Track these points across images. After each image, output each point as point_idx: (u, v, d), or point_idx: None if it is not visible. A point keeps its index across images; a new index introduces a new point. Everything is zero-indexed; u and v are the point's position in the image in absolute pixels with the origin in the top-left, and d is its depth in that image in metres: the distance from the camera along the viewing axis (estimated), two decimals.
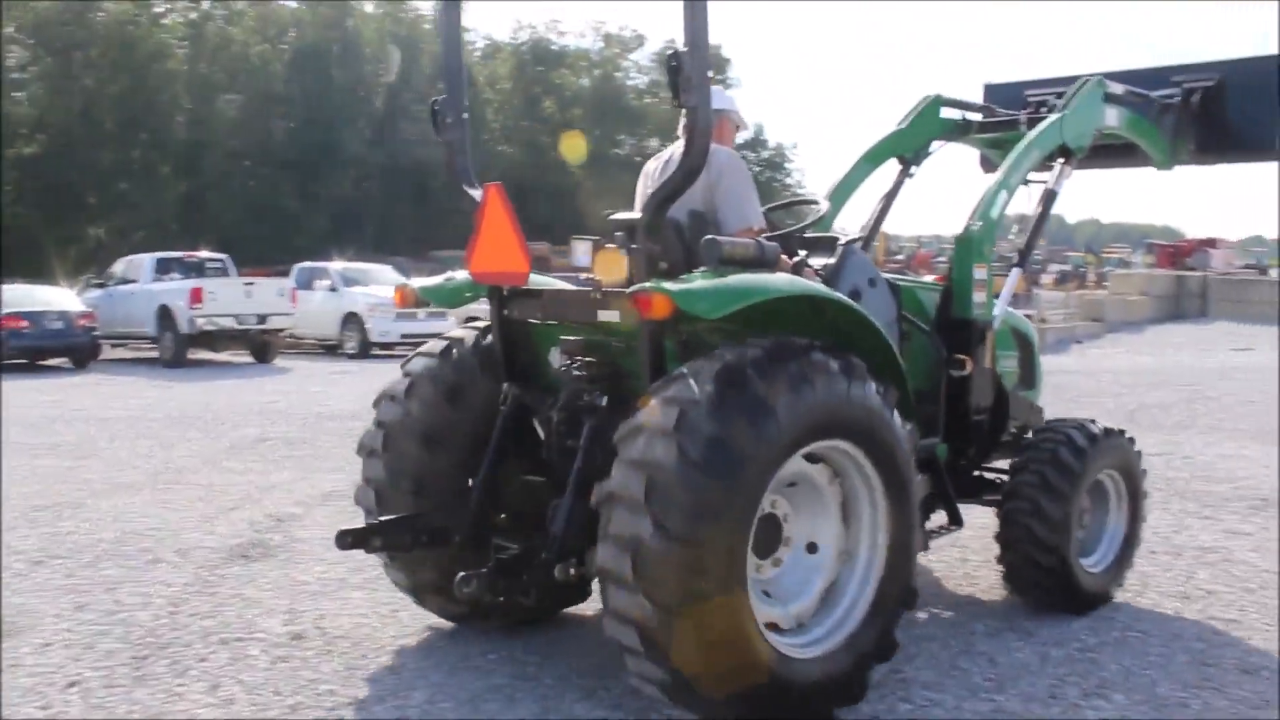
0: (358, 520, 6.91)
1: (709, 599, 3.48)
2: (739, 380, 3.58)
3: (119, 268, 23.20)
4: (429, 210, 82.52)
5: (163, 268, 22.24)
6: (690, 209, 4.37)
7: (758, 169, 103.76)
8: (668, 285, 3.72)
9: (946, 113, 6.43)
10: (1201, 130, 6.40)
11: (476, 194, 4.53)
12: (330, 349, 23.55)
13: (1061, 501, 5.02)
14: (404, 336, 22.53)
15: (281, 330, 21.68)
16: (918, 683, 4.43)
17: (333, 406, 13.40)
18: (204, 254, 23.93)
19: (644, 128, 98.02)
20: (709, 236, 4.09)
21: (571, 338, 4.36)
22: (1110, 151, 6.34)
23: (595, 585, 4.04)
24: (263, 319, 20.94)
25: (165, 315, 20.58)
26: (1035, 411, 5.80)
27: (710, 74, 3.88)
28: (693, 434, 3.48)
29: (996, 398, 5.44)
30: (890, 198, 6.40)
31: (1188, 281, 32.02)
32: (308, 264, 25.17)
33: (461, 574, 3.94)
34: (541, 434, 4.50)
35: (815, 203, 5.58)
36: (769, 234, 4.82)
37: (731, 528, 3.54)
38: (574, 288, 4.49)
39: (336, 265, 24.99)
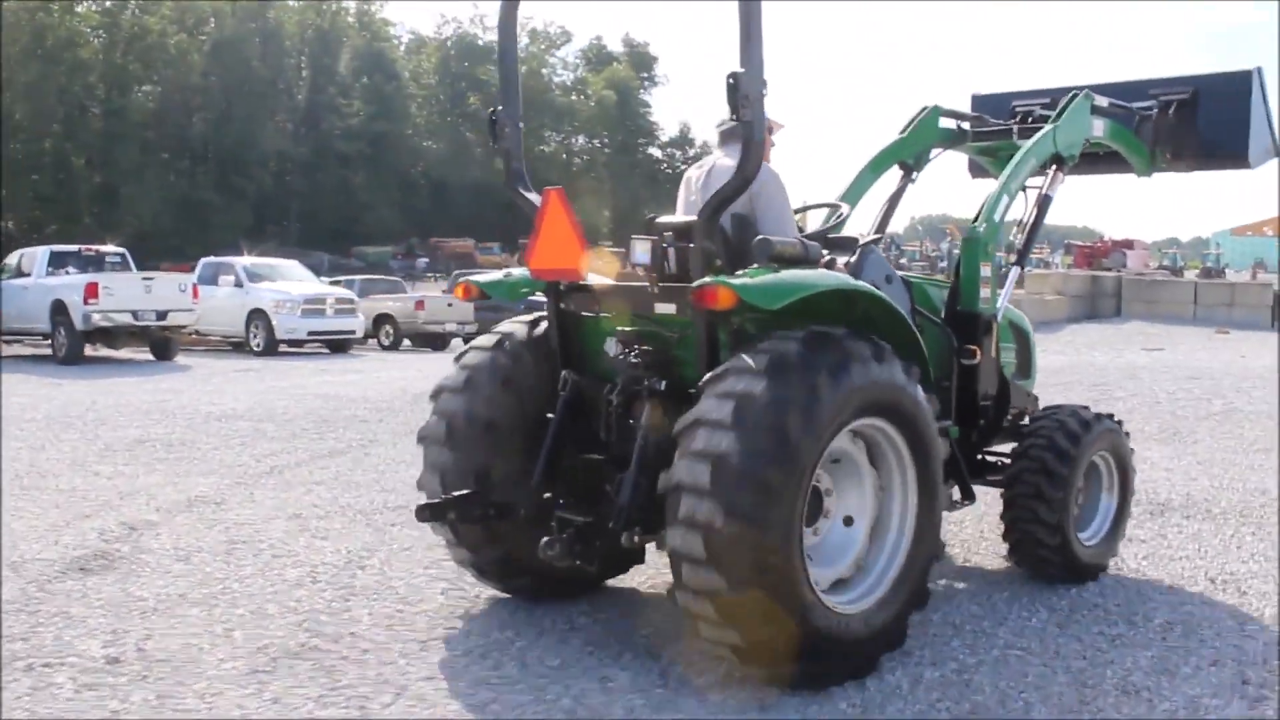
0: (220, 526, 6.63)
1: (773, 570, 3.89)
2: (786, 372, 3.97)
3: (13, 260, 22.28)
4: (353, 205, 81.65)
5: (58, 261, 21.34)
6: (734, 213, 4.68)
7: (684, 166, 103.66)
8: (730, 280, 4.09)
9: (944, 122, 6.84)
10: (1177, 140, 6.81)
11: (534, 197, 4.95)
12: (238, 346, 22.87)
13: (1061, 483, 5.49)
14: (311, 334, 21.98)
15: (183, 327, 20.98)
16: (776, 706, 4.13)
17: (224, 406, 12.86)
18: (104, 247, 23.09)
19: (570, 124, 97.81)
20: (761, 236, 4.49)
21: (627, 329, 4.70)
22: (1095, 159, 6.78)
23: (650, 553, 4.75)
24: (162, 315, 20.19)
25: (59, 310, 19.72)
26: (1032, 399, 6.31)
27: (762, 91, 4.23)
28: (750, 425, 3.88)
29: (999, 386, 5.88)
30: (894, 201, 6.87)
31: (1103, 282, 32.33)
32: (213, 259, 24.41)
33: (546, 539, 4.45)
34: (600, 417, 4.82)
35: (839, 206, 6.04)
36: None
37: (789, 504, 3.92)
38: (629, 283, 4.78)
39: (242, 260, 24.28)
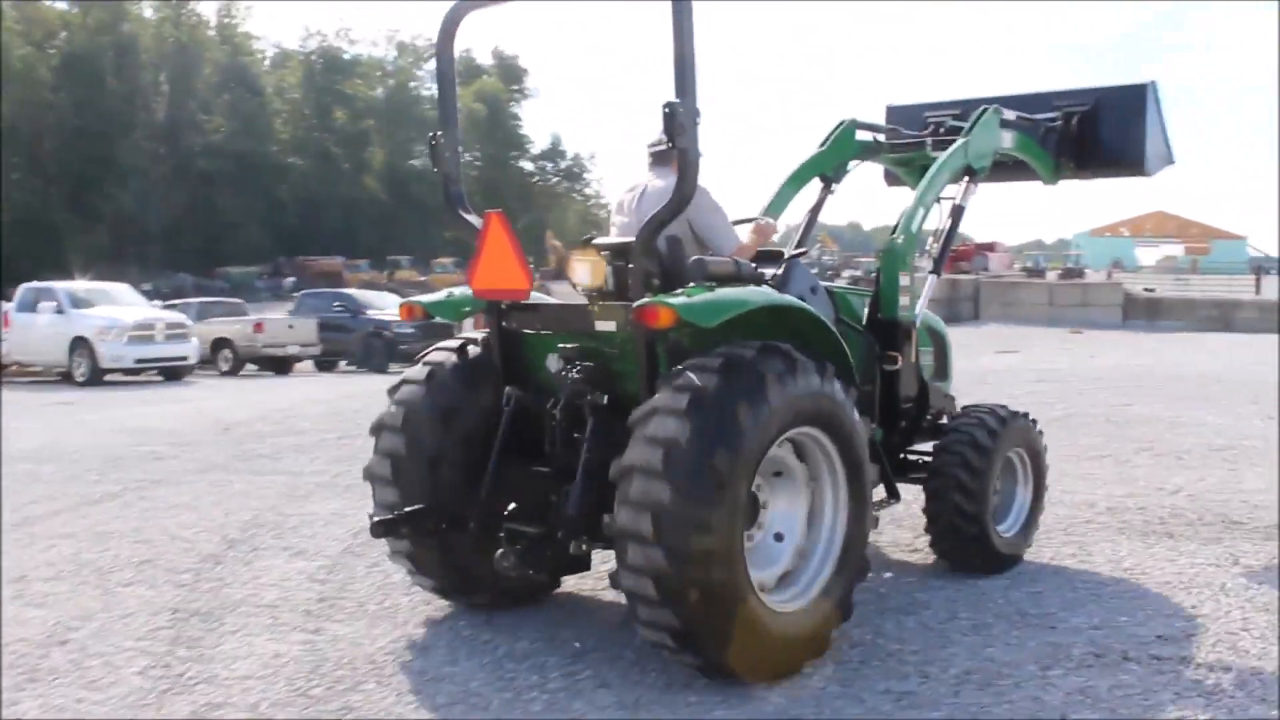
0: None
1: (716, 555, 4.07)
2: (739, 371, 4.21)
3: None
4: (217, 224, 79.13)
5: None
6: (667, 234, 4.81)
7: (555, 179, 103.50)
8: (669, 299, 4.27)
9: (861, 135, 7.08)
10: (1080, 150, 7.14)
11: (474, 219, 5.14)
12: (66, 377, 21.48)
13: (979, 478, 5.75)
14: (139, 361, 20.75)
15: None
16: None
17: (11, 446, 11.76)
18: None
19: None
20: (697, 257, 4.79)
21: (568, 345, 4.88)
22: (1003, 168, 6.98)
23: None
24: None
25: None
26: (949, 400, 6.54)
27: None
28: (703, 413, 4.08)
29: (919, 388, 6.16)
30: (815, 212, 7.19)
31: (960, 285, 32.64)
32: (34, 284, 22.96)
33: (500, 551, 4.63)
34: (545, 430, 4.94)
35: (765, 220, 6.17)
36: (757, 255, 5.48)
37: (734, 493, 4.12)
38: (569, 302, 5.02)
39: (66, 285, 22.85)
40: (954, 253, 6.26)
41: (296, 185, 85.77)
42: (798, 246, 6.73)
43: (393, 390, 5.23)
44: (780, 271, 5.60)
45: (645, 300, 4.34)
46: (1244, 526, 6.89)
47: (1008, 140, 6.76)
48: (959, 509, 5.77)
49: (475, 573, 5.12)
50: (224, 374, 23.63)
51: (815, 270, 8.02)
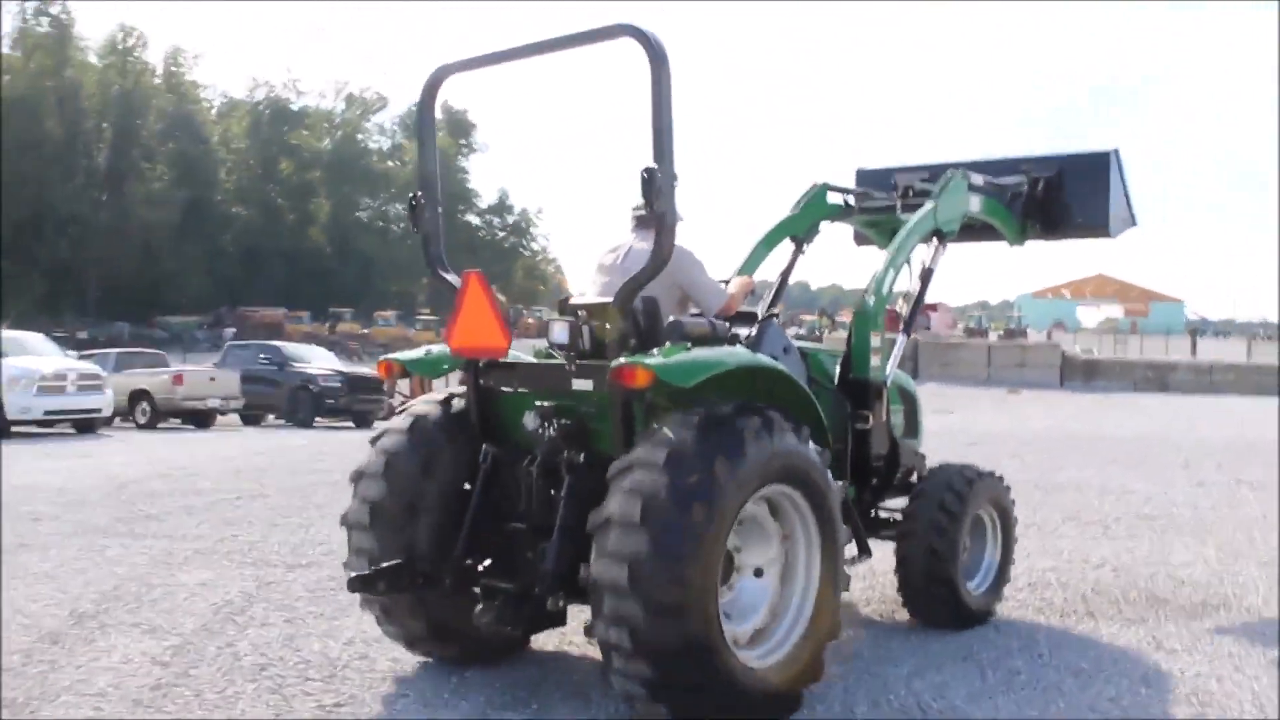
0: None
1: (691, 608, 4.06)
2: (716, 429, 4.26)
3: None
4: (158, 273, 77.87)
5: None
6: (645, 295, 4.84)
7: (502, 234, 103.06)
8: (647, 360, 4.31)
9: (832, 198, 7.29)
10: (1046, 213, 7.37)
11: (453, 278, 5.10)
12: None
13: (947, 539, 5.85)
14: (49, 413, 19.86)
15: None
16: None
17: None
18: None
19: (386, 191, 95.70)
20: (674, 318, 5.02)
21: (545, 403, 4.87)
22: (971, 231, 7.12)
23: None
24: None
25: None
26: (919, 458, 6.59)
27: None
28: (681, 468, 4.12)
29: (890, 446, 6.22)
30: (787, 273, 7.35)
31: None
32: None
33: (479, 607, 4.66)
34: (520, 487, 4.96)
35: (750, 278, 6.50)
36: (695, 312, 5.48)
37: (710, 547, 4.14)
38: (547, 361, 5.08)
39: None
40: (895, 312, 6.46)
41: (240, 235, 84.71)
42: (770, 307, 6.99)
43: (375, 439, 5.23)
44: (754, 332, 5.64)
45: (623, 360, 4.40)
46: (1168, 604, 6.53)
47: (975, 204, 6.92)
48: (928, 570, 5.87)
49: (447, 626, 5.09)
50: (141, 427, 22.80)
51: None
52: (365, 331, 71.99)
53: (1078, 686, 5.03)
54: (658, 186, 4.39)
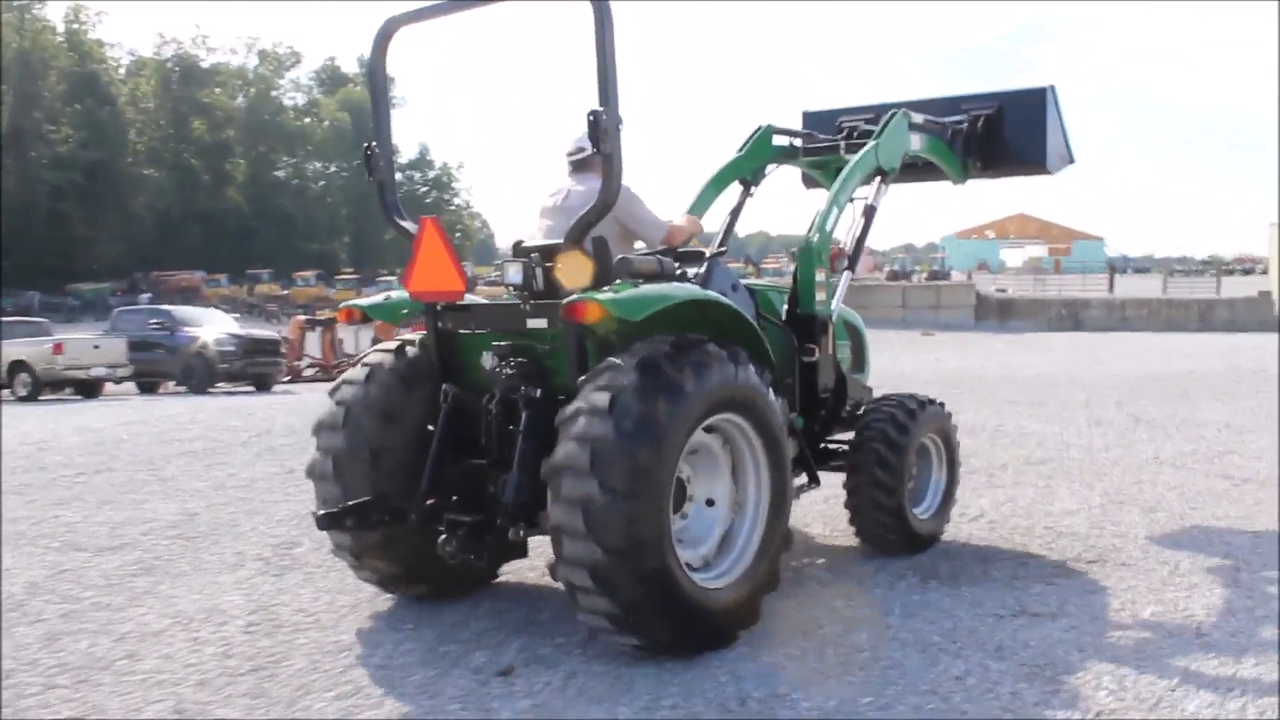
0: None
1: (646, 544, 4.27)
2: (656, 369, 4.39)
3: None
4: (68, 239, 75.41)
5: None
6: (594, 235, 4.93)
7: (424, 189, 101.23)
8: (598, 295, 4.49)
9: (777, 140, 7.37)
10: (986, 150, 7.46)
11: (410, 225, 5.27)
12: None
13: (893, 468, 6.04)
14: None
15: None
16: None
17: None
18: None
19: (303, 148, 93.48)
20: (622, 256, 5.09)
21: (502, 343, 5.06)
22: (915, 170, 7.35)
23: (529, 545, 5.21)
24: None
25: None
26: (866, 390, 6.78)
27: None
28: (624, 412, 4.27)
29: (837, 379, 6.37)
30: (735, 214, 7.44)
31: None
32: None
33: (442, 537, 4.84)
34: (480, 424, 5.08)
35: (696, 218, 6.61)
36: (648, 251, 5.67)
37: (659, 484, 4.33)
38: (502, 301, 5.26)
39: None
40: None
41: (153, 198, 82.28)
42: (719, 247, 7.00)
43: (333, 391, 5.36)
44: (703, 270, 5.76)
45: (574, 296, 4.54)
46: (1042, 561, 6.03)
47: (917, 142, 7.07)
48: (875, 497, 6.05)
49: (417, 564, 5.25)
50: (21, 399, 21.71)
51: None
52: (285, 293, 70.47)
53: (923, 663, 4.47)
54: (604, 128, 4.53)
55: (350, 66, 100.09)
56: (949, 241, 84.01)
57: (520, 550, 5.27)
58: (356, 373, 5.33)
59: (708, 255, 5.95)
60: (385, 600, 5.59)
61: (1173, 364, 18.12)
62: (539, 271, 4.99)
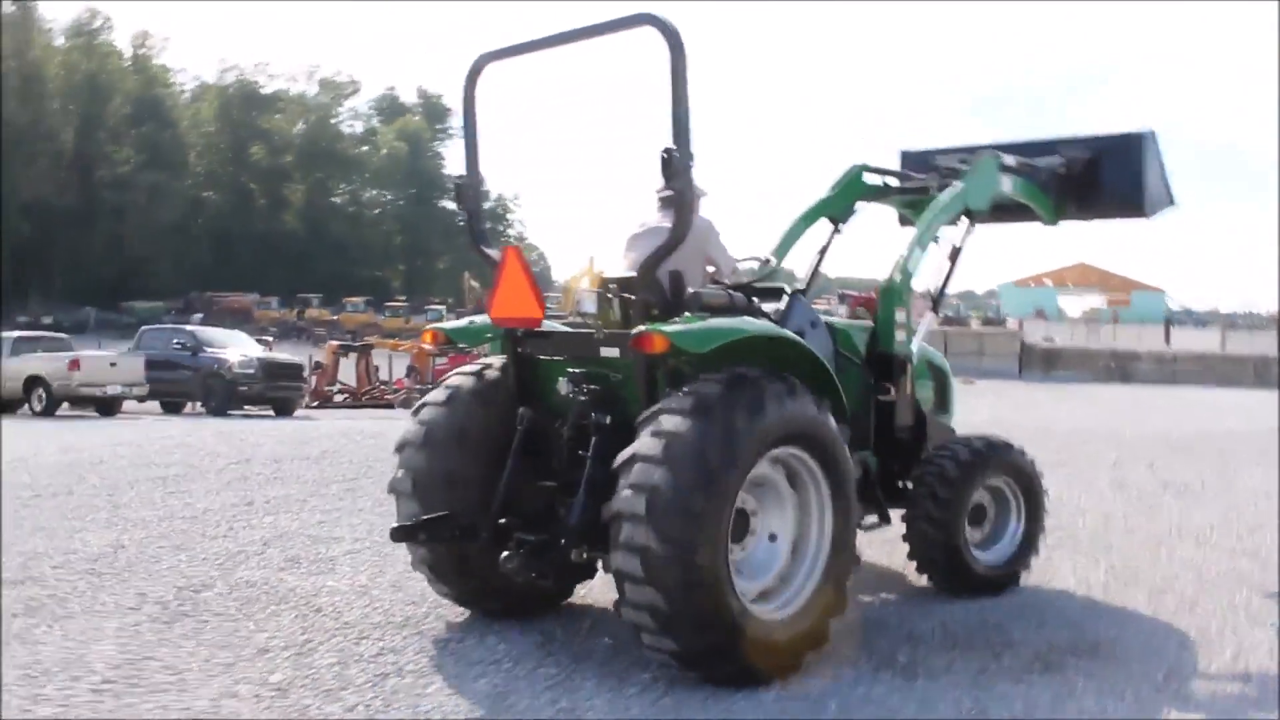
0: None
1: (702, 585, 4.35)
2: (709, 410, 4.45)
3: None
4: (125, 258, 76.30)
5: None
6: (670, 269, 5.22)
7: None
8: (664, 327, 4.65)
9: (869, 179, 7.38)
10: (1082, 194, 7.42)
11: (494, 253, 5.43)
12: None
13: (945, 501, 6.03)
14: None
15: None
16: None
17: None
18: None
19: (360, 175, 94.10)
20: (694, 290, 5.31)
21: (576, 370, 5.20)
22: (1007, 211, 7.30)
23: (599, 567, 5.09)
24: None
25: None
26: (949, 432, 6.71)
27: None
28: (704, 414, 4.42)
29: (916, 420, 6.42)
30: (823, 252, 7.46)
31: None
32: None
33: (505, 553, 4.98)
34: (554, 448, 5.28)
35: (768, 260, 6.54)
36: (725, 284, 5.82)
37: (714, 526, 4.41)
38: (579, 330, 5.42)
39: None
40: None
41: (210, 220, 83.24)
42: (807, 284, 7.22)
43: (416, 411, 5.60)
44: (782, 306, 5.94)
45: (642, 328, 4.69)
46: (1020, 651, 5.26)
47: (1007, 184, 7.02)
48: (925, 531, 6.07)
49: (490, 581, 5.31)
50: (38, 414, 21.47)
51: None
52: (334, 318, 70.76)
53: None
54: (676, 167, 4.66)
55: (409, 96, 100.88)
56: (1006, 289, 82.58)
57: (587, 571, 5.40)
58: (438, 395, 5.56)
59: (788, 292, 6.11)
60: (269, 657, 4.99)
61: (1222, 422, 17.14)
62: (616, 302, 5.26)
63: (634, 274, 5.25)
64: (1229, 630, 5.64)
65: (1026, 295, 78.65)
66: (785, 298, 6.04)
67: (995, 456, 6.26)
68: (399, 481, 5.52)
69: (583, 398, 5.12)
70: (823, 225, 7.36)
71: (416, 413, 5.58)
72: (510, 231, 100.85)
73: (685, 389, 4.59)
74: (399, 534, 5.26)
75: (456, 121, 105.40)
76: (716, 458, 4.40)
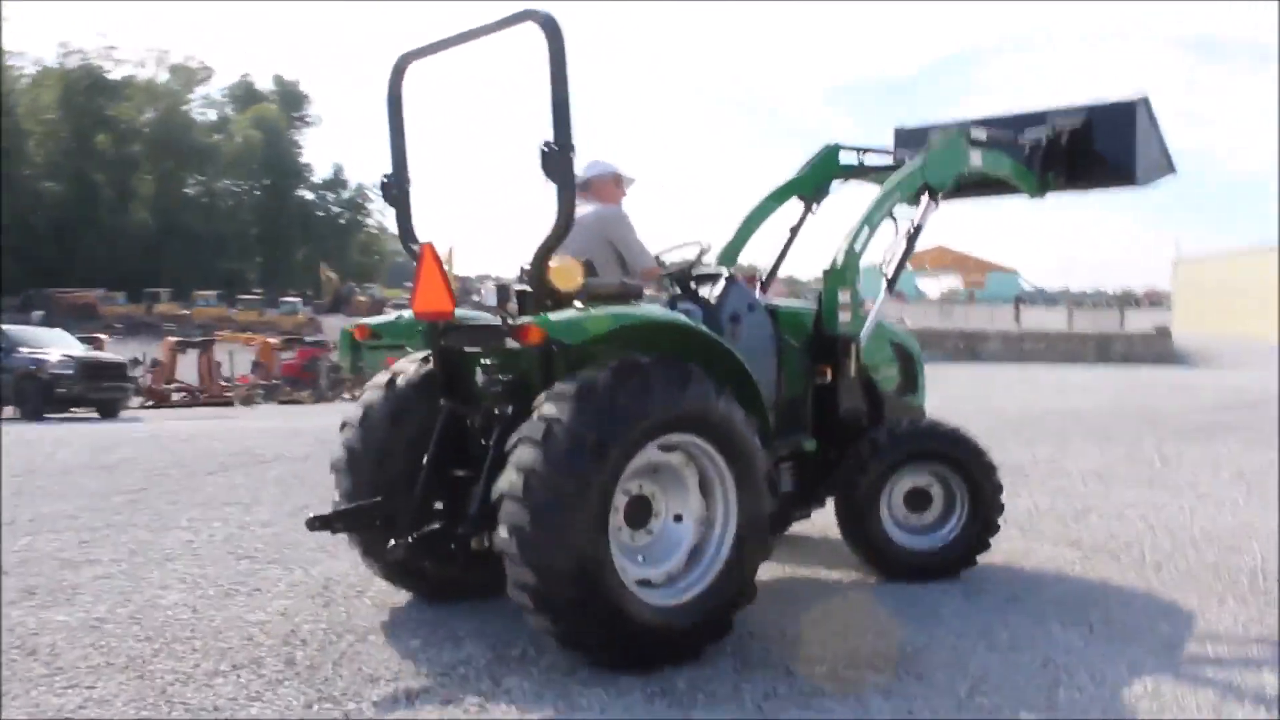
0: None
1: (581, 567, 4.36)
2: (591, 395, 4.47)
3: None
4: None
5: None
6: (585, 260, 5.22)
7: (337, 210, 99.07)
8: (540, 318, 4.62)
9: (845, 157, 7.38)
10: (1071, 164, 7.28)
11: (417, 249, 5.39)
12: None
13: (864, 485, 6.07)
14: None
15: None
16: None
17: None
18: None
19: (213, 165, 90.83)
20: (583, 279, 5.09)
21: (488, 362, 5.36)
22: (986, 186, 7.34)
23: None
24: None
25: None
26: (917, 415, 6.70)
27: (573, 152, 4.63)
28: (555, 442, 4.38)
29: (872, 403, 6.47)
30: (794, 232, 7.51)
31: None
32: None
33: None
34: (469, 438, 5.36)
35: (699, 243, 6.25)
36: (665, 271, 6.09)
37: (592, 510, 4.41)
38: (491, 322, 5.26)
39: None
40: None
41: (51, 212, 79.40)
42: (776, 264, 7.47)
43: (360, 395, 5.76)
44: (718, 290, 6.00)
45: (523, 320, 4.73)
46: (801, 674, 4.79)
47: (976, 159, 6.89)
48: (847, 514, 6.11)
49: (414, 567, 5.45)
50: None
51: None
52: (186, 312, 68.33)
53: None
54: (555, 158, 4.58)
55: (265, 83, 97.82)
56: (866, 272, 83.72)
57: (490, 558, 5.07)
58: (380, 378, 5.71)
59: (724, 275, 6.10)
60: None
61: (1064, 399, 17.24)
62: (514, 292, 5.21)
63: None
64: (1042, 635, 5.26)
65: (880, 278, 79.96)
66: (721, 282, 6.03)
67: (926, 443, 6.16)
68: (337, 458, 5.65)
69: (495, 389, 5.24)
70: (795, 206, 7.38)
71: (359, 396, 5.80)
72: (369, 221, 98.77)
73: (571, 376, 4.61)
74: (316, 523, 5.25)
75: (314, 109, 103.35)
76: (593, 442, 4.40)
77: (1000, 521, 6.34)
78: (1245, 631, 5.36)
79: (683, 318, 5.14)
